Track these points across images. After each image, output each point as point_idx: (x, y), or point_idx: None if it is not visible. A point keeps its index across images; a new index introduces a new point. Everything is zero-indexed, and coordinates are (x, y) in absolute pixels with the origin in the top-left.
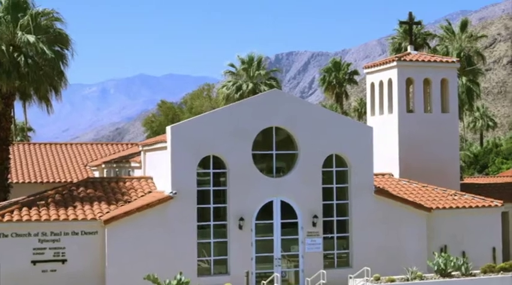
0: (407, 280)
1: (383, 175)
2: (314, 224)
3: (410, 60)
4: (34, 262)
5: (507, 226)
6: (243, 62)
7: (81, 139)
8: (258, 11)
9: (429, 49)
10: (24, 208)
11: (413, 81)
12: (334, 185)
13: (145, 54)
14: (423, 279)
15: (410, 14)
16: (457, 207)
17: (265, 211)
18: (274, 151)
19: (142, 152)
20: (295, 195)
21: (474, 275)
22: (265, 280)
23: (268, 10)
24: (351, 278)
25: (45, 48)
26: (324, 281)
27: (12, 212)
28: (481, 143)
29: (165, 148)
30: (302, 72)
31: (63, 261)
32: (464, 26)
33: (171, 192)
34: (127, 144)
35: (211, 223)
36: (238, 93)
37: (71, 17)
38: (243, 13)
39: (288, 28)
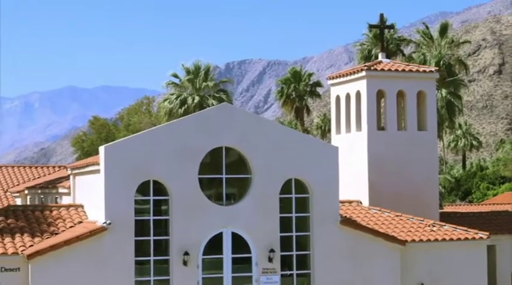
0: None
1: (350, 202)
2: (270, 260)
3: (382, 70)
4: None
5: (493, 262)
6: (188, 72)
7: (0, 161)
8: (205, 14)
9: (403, 57)
10: None
11: (385, 94)
12: (294, 215)
13: (74, 63)
14: None
15: (381, 16)
16: (436, 240)
17: (214, 245)
18: (224, 175)
19: (71, 177)
20: (249, 226)
21: None
22: None
23: (218, 13)
24: None
25: None
26: None
27: None
28: (464, 166)
29: (97, 171)
30: (256, 83)
31: None
32: (444, 30)
33: (104, 222)
34: (54, 167)
35: (151, 258)
36: (183, 108)
37: None
38: (188, 16)
39: (240, 33)
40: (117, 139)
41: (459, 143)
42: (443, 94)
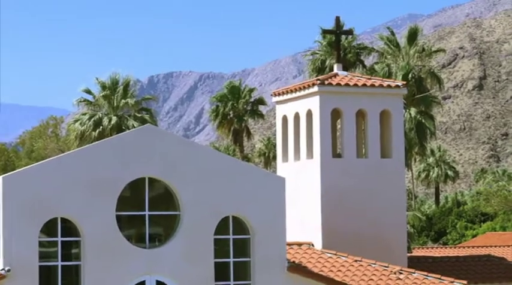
0: None
1: (300, 244)
2: None
3: (338, 84)
4: None
5: None
6: (103, 87)
7: None
8: (123, 18)
9: (364, 68)
10: None
11: (341, 114)
12: (231, 260)
13: None
14: None
15: (337, 19)
16: None
17: None
18: (147, 212)
19: None
20: (177, 273)
21: None
22: None
23: (138, 16)
24: None
25: None
26: None
27: None
28: (437, 201)
29: None
30: (186, 100)
31: None
32: (413, 36)
33: (2, 269)
34: None
35: None
36: (97, 130)
37: None
38: (103, 20)
39: (166, 40)
40: (17, 168)
41: (431, 173)
42: (413, 114)
